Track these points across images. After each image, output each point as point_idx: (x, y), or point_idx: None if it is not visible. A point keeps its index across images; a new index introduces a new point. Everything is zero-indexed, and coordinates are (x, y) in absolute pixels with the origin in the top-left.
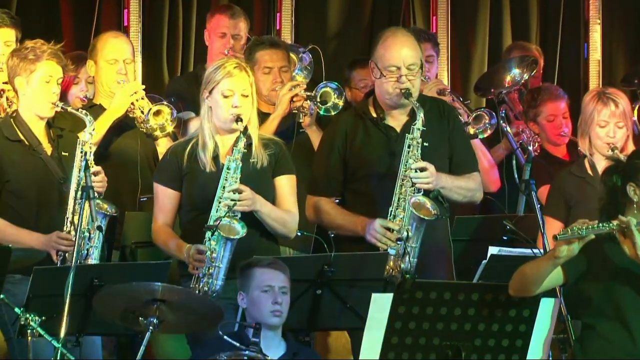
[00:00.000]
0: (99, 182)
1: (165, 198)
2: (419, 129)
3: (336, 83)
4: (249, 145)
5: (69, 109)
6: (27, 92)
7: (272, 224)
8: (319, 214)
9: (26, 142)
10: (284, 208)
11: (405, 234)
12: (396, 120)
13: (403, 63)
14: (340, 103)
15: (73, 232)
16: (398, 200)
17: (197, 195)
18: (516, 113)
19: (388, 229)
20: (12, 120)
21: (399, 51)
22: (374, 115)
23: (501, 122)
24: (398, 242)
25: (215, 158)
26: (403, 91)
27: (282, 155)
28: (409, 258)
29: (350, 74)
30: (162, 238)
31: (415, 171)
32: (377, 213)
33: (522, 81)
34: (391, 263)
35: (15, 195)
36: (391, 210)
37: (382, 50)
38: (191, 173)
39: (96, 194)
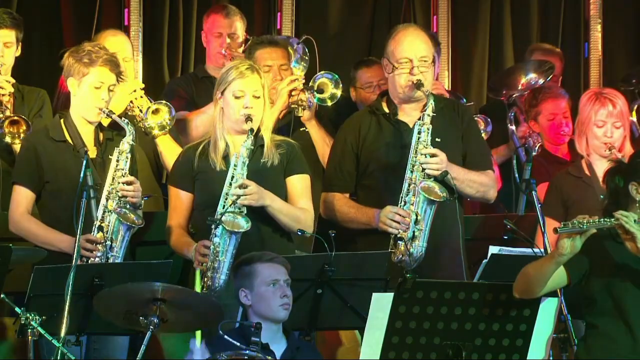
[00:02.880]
0: (132, 191)
1: (178, 200)
2: (429, 115)
3: (333, 73)
4: (260, 146)
5: (114, 116)
6: (77, 95)
7: (284, 220)
8: (332, 209)
9: (71, 143)
10: (297, 207)
11: (414, 217)
12: (409, 115)
13: (415, 55)
14: (338, 93)
15: (99, 236)
16: (408, 186)
17: (207, 193)
18: (526, 117)
19: (399, 215)
20: (62, 120)
21: (411, 44)
22: (387, 111)
23: (508, 124)
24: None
25: (226, 157)
26: (415, 82)
27: (294, 156)
28: (419, 242)
29: (356, 73)
30: (173, 238)
31: (426, 157)
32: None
33: (536, 86)
34: (401, 248)
35: (53, 196)
36: (401, 197)
37: (394, 44)
38: (202, 173)
39: (127, 204)
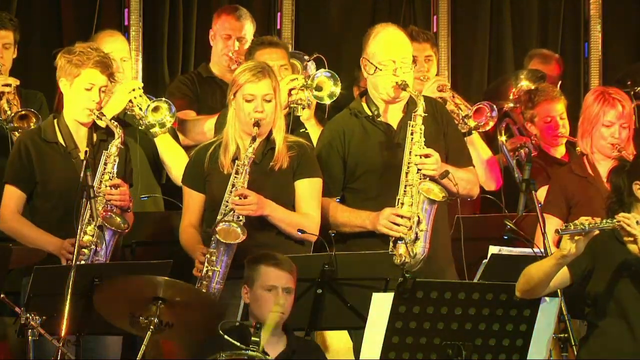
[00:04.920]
0: (117, 195)
1: (190, 199)
2: (420, 116)
3: (331, 71)
4: (270, 149)
5: (104, 118)
6: (68, 96)
7: (287, 228)
8: (323, 214)
9: (62, 144)
10: (303, 211)
11: (417, 218)
12: (392, 116)
13: (398, 57)
14: (337, 90)
15: (85, 238)
16: (405, 188)
17: (215, 195)
18: (520, 127)
19: (399, 217)
20: (55, 121)
21: (393, 45)
22: (369, 113)
23: (498, 135)
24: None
25: (235, 160)
26: (400, 83)
27: (305, 159)
28: (421, 243)
29: (359, 73)
30: (183, 238)
31: (420, 158)
32: (380, 208)
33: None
34: (402, 250)
35: (43, 197)
36: (398, 199)
37: (375, 46)
38: (211, 174)
39: (113, 207)
